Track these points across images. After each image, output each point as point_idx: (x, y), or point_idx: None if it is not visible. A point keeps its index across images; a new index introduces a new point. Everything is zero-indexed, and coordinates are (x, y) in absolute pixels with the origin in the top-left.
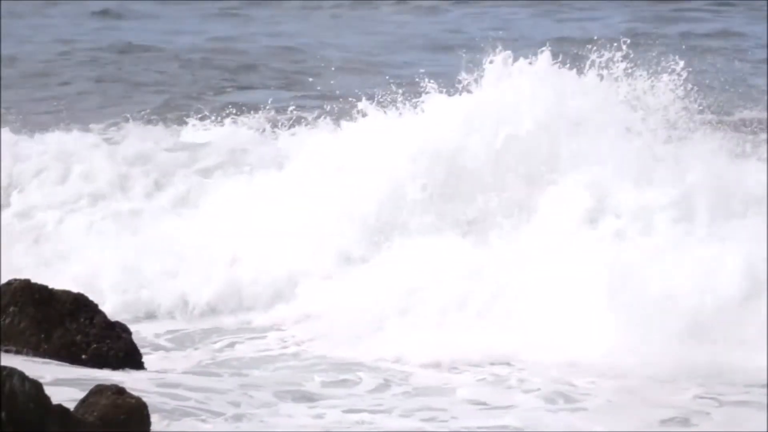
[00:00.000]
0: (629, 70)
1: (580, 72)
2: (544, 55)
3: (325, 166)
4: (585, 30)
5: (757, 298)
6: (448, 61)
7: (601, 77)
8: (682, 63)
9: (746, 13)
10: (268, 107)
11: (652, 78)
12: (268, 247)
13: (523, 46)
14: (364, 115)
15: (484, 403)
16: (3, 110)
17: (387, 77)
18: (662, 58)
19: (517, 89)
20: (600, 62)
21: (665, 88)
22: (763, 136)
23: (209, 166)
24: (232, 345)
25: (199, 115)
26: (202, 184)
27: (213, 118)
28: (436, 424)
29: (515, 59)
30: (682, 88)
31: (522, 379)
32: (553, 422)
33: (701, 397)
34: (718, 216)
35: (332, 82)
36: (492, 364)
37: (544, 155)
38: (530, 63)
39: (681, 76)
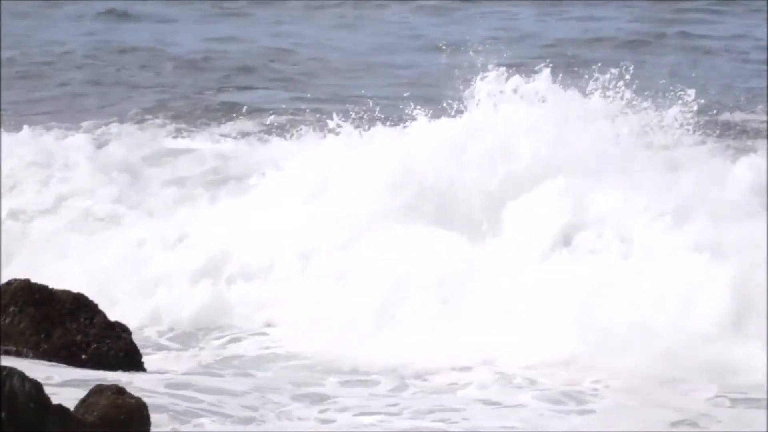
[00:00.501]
0: (634, 102)
1: (581, 91)
2: (544, 74)
3: (309, 183)
4: (587, 31)
5: (747, 316)
6: (447, 63)
7: (605, 96)
8: (692, 92)
9: (746, 13)
10: (263, 112)
11: (660, 111)
12: (252, 252)
13: (524, 47)
14: (337, 133)
15: (497, 403)
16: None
17: (369, 96)
18: (671, 87)
19: (512, 114)
20: (604, 80)
21: (674, 122)
22: (763, 139)
23: (191, 175)
24: (234, 343)
25: (183, 123)
26: (181, 194)
27: (199, 123)
28: (447, 425)
29: (510, 75)
30: (692, 121)
31: (531, 379)
32: (562, 424)
33: (713, 398)
34: (711, 221)
35: (330, 84)
36: (492, 363)
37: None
38: (527, 82)
39: (691, 109)
